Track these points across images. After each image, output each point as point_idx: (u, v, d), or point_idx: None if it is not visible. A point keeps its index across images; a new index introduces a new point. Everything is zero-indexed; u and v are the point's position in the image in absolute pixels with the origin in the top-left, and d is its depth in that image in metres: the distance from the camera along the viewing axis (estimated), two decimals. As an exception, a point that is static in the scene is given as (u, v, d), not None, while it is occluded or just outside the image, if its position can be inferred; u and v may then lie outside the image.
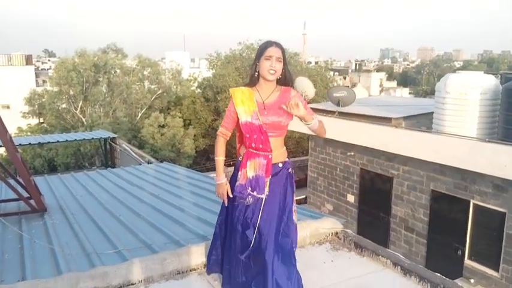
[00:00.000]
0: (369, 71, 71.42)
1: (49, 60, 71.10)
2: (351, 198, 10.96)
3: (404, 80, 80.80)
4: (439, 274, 3.08)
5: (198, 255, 3.19)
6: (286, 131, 2.62)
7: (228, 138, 2.68)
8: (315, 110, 11.79)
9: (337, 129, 10.52)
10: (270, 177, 2.51)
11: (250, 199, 2.49)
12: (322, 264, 3.35)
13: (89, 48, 31.70)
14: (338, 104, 10.86)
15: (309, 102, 13.18)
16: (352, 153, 10.63)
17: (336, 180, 11.38)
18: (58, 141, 11.55)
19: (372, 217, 10.39)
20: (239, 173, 2.55)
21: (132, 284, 2.94)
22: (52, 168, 24.16)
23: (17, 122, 28.87)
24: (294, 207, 2.66)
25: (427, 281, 3.00)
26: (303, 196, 12.87)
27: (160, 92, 29.45)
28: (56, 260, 3.27)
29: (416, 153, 8.57)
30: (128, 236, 3.81)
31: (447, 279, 3.01)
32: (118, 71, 30.43)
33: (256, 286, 2.43)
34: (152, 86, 30.24)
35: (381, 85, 58.93)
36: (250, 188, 2.49)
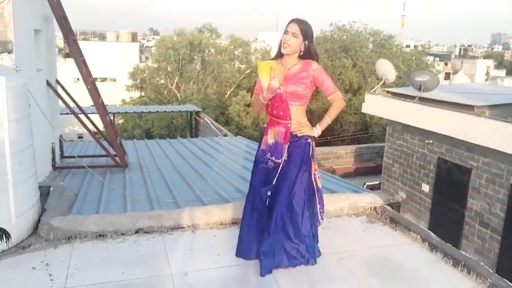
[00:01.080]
0: (475, 57, 65.74)
1: (153, 38, 75.73)
2: (425, 187, 10.63)
3: (516, 69, 72.92)
4: (464, 252, 3.15)
5: (240, 210, 3.59)
6: (307, 101, 2.83)
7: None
8: (395, 94, 11.52)
9: (417, 115, 10.23)
10: (288, 143, 2.78)
11: (271, 163, 2.80)
12: (353, 232, 3.57)
13: (188, 27, 33.44)
14: (420, 89, 10.50)
15: (391, 86, 12.85)
16: (431, 141, 10.26)
17: (412, 168, 11.09)
18: (150, 111, 12.77)
19: (446, 209, 10.01)
20: (262, 138, 2.89)
21: (181, 228, 3.45)
22: (149, 138, 26.27)
23: (121, 94, 31.78)
24: (317, 173, 2.93)
25: (451, 257, 3.09)
26: (377, 182, 12.73)
27: (248, 71, 30.30)
28: (125, 203, 3.92)
29: (497, 144, 8.08)
30: (187, 191, 4.37)
31: (470, 257, 3.07)
32: (212, 50, 31.86)
33: (261, 240, 2.77)
34: (242, 66, 31.19)
35: (487, 73, 53.97)
36: (269, 154, 2.80)
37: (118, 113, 12.76)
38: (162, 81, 31.16)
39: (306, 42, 2.75)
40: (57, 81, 5.73)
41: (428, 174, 10.53)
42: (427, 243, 3.33)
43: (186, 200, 3.98)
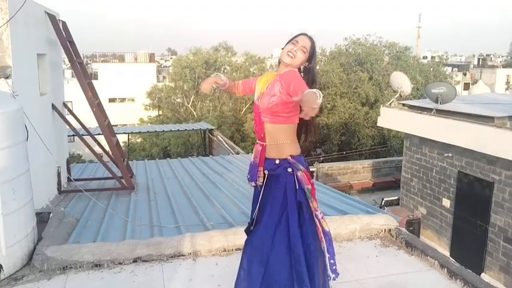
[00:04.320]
0: (494, 66, 64.56)
1: (171, 58, 76.66)
2: (446, 202, 10.23)
3: (538, 77, 71.10)
4: (486, 280, 2.89)
5: (244, 235, 3.40)
6: (286, 119, 2.30)
7: (236, 88, 2.63)
8: (411, 107, 11.24)
9: (434, 128, 9.92)
10: (267, 172, 2.35)
11: (251, 183, 2.49)
12: (366, 258, 3.34)
13: (204, 46, 33.72)
14: (436, 101, 10.20)
15: (405, 99, 12.57)
16: (450, 155, 9.90)
17: (431, 183, 10.71)
18: (163, 130, 12.77)
19: (468, 224, 9.58)
20: None
21: (182, 255, 3.28)
22: (166, 155, 26.33)
23: (140, 114, 32.21)
24: (319, 214, 2.31)
25: (472, 285, 2.83)
26: (396, 197, 12.35)
27: (264, 87, 30.25)
28: (125, 229, 3.77)
29: (521, 157, 7.73)
30: (191, 214, 4.21)
31: (493, 285, 2.81)
32: (227, 67, 32.04)
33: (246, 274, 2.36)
34: (257, 82, 31.22)
35: (507, 82, 52.91)
36: (248, 173, 2.50)
37: (132, 132, 12.81)
38: (179, 99, 31.40)
39: (308, 64, 2.36)
40: (64, 104, 5.69)
41: (448, 189, 10.14)
42: (445, 269, 3.07)
43: (189, 225, 3.82)
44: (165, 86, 32.47)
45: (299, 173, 2.30)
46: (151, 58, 42.74)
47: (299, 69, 2.37)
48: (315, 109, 1.79)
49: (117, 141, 5.81)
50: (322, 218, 2.33)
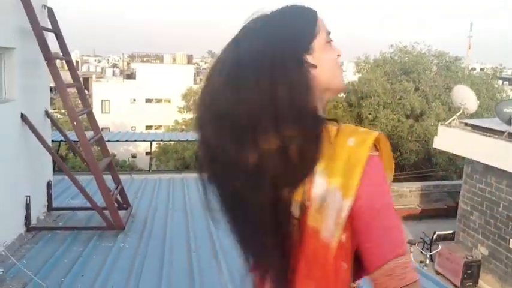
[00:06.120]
0: (550, 81, 60.27)
1: (211, 61, 76.72)
2: (515, 245, 8.50)
3: None
4: None
5: None
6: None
7: None
8: (476, 128, 9.51)
9: (505, 155, 8.23)
10: None
11: None
12: None
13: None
14: (509, 123, 8.49)
15: (469, 117, 10.82)
16: (524, 188, 8.18)
17: (497, 219, 8.97)
18: (179, 139, 11.69)
19: (546, 276, 7.83)
20: None
21: None
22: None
23: (175, 115, 31.61)
24: None
25: None
26: (451, 231, 10.60)
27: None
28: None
29: None
30: (182, 284, 2.88)
31: None
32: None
33: None
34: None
35: None
36: None
37: (153, 140, 11.77)
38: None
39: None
40: (47, 114, 4.53)
41: (519, 229, 8.40)
42: None
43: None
44: (200, 88, 31.79)
45: None
46: (190, 60, 42.79)
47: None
48: None
49: (110, 162, 4.59)
50: None
